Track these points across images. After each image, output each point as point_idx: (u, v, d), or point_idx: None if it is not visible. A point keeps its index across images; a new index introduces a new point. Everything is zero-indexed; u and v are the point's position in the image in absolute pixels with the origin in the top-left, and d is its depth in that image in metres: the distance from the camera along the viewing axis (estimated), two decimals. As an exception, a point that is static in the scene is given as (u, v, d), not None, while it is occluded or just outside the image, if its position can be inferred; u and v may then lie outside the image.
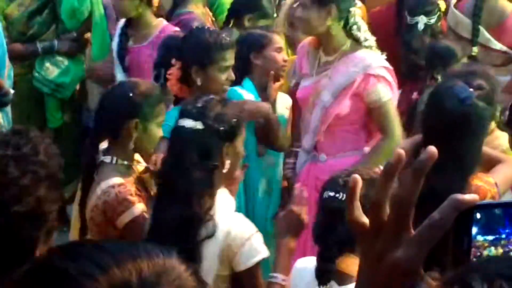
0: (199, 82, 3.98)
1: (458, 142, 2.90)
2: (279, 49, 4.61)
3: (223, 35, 4.12)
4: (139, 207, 3.23)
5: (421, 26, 5.37)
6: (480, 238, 1.17)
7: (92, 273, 1.03)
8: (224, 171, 3.00)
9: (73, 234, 3.61)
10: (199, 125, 2.99)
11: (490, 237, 1.18)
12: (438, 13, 5.47)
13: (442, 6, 5.57)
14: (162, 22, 5.35)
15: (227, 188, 3.09)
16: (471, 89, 2.97)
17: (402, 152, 1.13)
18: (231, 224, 2.95)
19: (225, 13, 5.99)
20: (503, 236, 1.19)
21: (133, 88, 3.42)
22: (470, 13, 5.41)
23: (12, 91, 5.10)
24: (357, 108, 4.23)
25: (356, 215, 1.15)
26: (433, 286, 1.08)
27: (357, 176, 1.16)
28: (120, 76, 5.32)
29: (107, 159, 3.36)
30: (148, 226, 3.07)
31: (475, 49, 5.36)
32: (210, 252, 2.93)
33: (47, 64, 5.74)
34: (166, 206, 2.97)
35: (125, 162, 3.38)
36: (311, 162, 4.33)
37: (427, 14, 5.39)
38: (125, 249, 1.09)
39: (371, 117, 4.27)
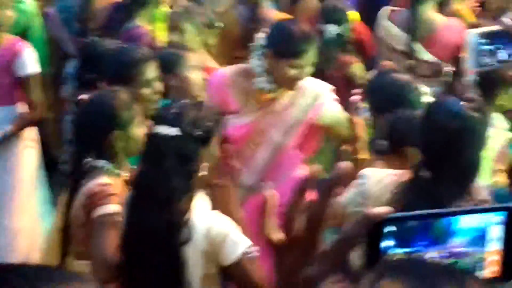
0: None
1: (459, 156, 2.85)
2: (195, 68, 4.38)
3: (136, 50, 4.03)
4: (114, 207, 3.18)
5: (329, 35, 5.47)
6: (399, 250, 1.17)
7: None
8: (202, 174, 3.02)
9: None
10: (176, 131, 2.99)
11: (407, 250, 1.19)
12: (347, 23, 5.59)
13: (354, 16, 5.68)
14: (13, 39, 5.25)
15: (204, 190, 3.08)
16: (462, 102, 2.95)
17: (318, 168, 1.14)
18: (210, 222, 2.97)
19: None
20: (417, 248, 1.20)
21: (109, 100, 3.40)
22: (403, 25, 5.45)
23: None
24: (306, 135, 4.20)
25: (271, 230, 1.15)
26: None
27: (270, 192, 1.17)
28: None
29: (100, 163, 3.35)
30: (121, 233, 3.07)
31: (412, 62, 5.41)
32: (193, 254, 2.95)
33: None
34: (144, 213, 2.98)
35: (116, 171, 3.36)
36: (255, 193, 4.08)
37: (336, 23, 5.51)
38: (43, 273, 1.08)
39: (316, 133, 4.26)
